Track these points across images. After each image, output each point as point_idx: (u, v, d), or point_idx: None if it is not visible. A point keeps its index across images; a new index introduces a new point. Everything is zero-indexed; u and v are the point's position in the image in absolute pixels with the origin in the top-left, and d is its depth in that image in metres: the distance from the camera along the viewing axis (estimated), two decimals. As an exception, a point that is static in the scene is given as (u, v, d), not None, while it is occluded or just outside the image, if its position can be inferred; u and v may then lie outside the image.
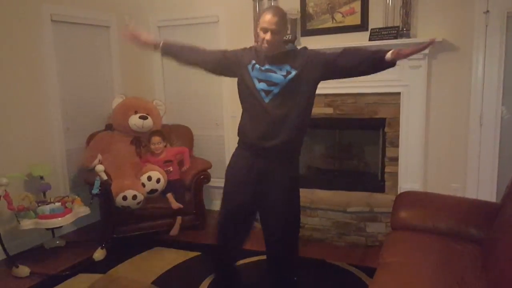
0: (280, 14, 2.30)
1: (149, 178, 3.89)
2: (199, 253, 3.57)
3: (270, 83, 2.32)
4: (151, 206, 3.93)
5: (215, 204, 4.49)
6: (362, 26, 3.82)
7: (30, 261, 3.45)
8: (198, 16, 4.50)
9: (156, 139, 4.10)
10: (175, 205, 3.94)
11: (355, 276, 3.11)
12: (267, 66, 2.36)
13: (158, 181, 3.91)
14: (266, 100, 2.33)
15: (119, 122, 4.16)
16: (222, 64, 2.52)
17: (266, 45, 2.31)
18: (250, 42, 4.09)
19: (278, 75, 2.32)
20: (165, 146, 4.20)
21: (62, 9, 4.08)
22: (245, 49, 2.53)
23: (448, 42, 3.56)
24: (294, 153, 2.51)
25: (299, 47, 2.46)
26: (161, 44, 2.64)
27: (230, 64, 2.49)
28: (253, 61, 2.40)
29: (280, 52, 2.36)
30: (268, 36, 2.28)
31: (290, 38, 3.99)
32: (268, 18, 2.28)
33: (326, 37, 3.95)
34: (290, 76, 2.30)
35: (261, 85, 2.34)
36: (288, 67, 2.32)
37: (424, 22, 3.62)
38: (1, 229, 3.35)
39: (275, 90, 2.32)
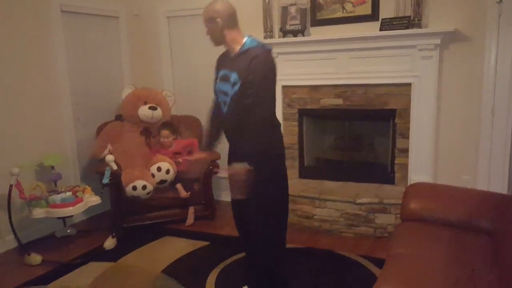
0: (209, 7, 2.32)
1: (159, 169, 3.92)
2: (208, 243, 3.59)
3: (225, 93, 2.33)
4: (161, 196, 3.97)
5: (224, 194, 4.50)
6: (372, 16, 3.77)
7: (42, 249, 3.50)
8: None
9: (165, 133, 4.13)
10: (183, 193, 3.99)
11: (363, 267, 3.10)
12: (224, 71, 2.34)
13: (167, 172, 3.93)
14: (224, 110, 2.37)
15: (129, 113, 4.18)
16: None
17: (211, 38, 2.38)
18: (259, 30, 4.09)
19: (228, 86, 2.29)
20: (175, 139, 4.21)
21: (71, -1, 4.09)
22: (219, 57, 2.53)
23: (460, 32, 3.51)
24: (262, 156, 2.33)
25: (252, 47, 2.31)
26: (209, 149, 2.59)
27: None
28: (219, 72, 2.41)
29: (235, 55, 2.32)
30: (206, 30, 2.36)
31: (299, 28, 3.97)
32: (204, 10, 2.35)
33: (336, 27, 3.91)
34: (235, 88, 2.25)
35: (221, 98, 2.38)
36: (236, 75, 2.24)
37: (436, 12, 3.56)
38: (13, 218, 3.39)
39: (228, 100, 2.32)
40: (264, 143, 2.24)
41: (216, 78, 2.45)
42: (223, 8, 2.30)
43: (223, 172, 2.32)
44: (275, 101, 2.31)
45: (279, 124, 2.46)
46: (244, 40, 2.33)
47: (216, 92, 2.43)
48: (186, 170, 2.78)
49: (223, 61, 2.44)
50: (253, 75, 2.18)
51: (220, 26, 2.29)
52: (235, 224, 2.67)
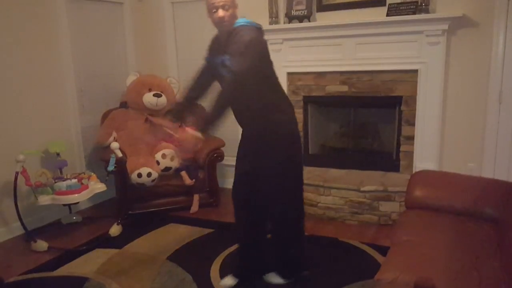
0: None
1: (164, 156, 3.92)
2: (212, 230, 3.61)
3: (224, 78, 2.32)
4: (166, 183, 3.98)
5: (229, 182, 4.50)
6: (379, 1, 3.71)
7: (48, 236, 3.53)
8: (211, -9, 4.43)
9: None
10: (188, 181, 3.99)
11: (367, 254, 3.11)
12: (222, 58, 2.32)
13: (172, 158, 3.93)
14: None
15: (133, 100, 4.17)
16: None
17: (219, 25, 2.28)
18: (264, 16, 4.04)
19: (224, 70, 2.29)
20: (180, 126, 4.18)
21: (75, -15, 4.06)
22: (213, 39, 2.51)
23: (468, 17, 3.45)
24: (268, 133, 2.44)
25: (240, 25, 2.31)
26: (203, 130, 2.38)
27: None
28: (216, 56, 2.39)
29: (226, 37, 2.29)
30: (220, 12, 2.23)
31: (305, 13, 3.93)
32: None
33: (343, 12, 3.86)
34: (230, 70, 2.23)
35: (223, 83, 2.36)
36: (227, 58, 2.24)
37: (443, -3, 3.51)
38: (19, 205, 3.41)
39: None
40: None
41: (209, 59, 2.48)
42: None
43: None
44: (266, 75, 2.34)
45: (287, 104, 2.52)
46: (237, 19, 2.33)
47: (220, 77, 2.41)
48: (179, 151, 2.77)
49: (217, 47, 2.42)
50: (232, 46, 2.20)
51: (237, 5, 2.31)
52: (241, 213, 2.68)
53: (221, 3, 2.23)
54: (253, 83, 2.23)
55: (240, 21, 2.31)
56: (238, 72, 2.16)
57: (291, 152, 2.49)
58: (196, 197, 4.07)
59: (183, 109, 2.61)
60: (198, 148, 2.22)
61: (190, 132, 2.15)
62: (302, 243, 2.71)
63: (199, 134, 2.15)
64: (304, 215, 2.70)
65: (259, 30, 2.32)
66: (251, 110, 2.40)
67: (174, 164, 3.96)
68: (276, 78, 2.47)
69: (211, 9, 2.26)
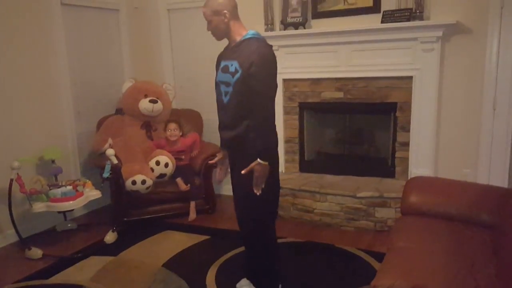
0: (209, 4, 2.31)
1: (157, 163, 3.90)
2: (208, 237, 3.59)
3: (227, 83, 2.32)
4: (161, 190, 3.97)
5: (225, 188, 4.50)
6: (374, 8, 3.74)
7: (42, 244, 3.50)
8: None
9: (172, 125, 4.09)
10: (183, 187, 3.98)
11: (363, 260, 3.10)
12: (224, 63, 2.35)
13: (166, 165, 3.91)
14: (225, 100, 2.35)
15: (129, 106, 4.17)
16: None
17: (214, 34, 2.38)
18: (260, 23, 4.07)
19: (229, 75, 2.29)
20: (181, 135, 4.18)
21: (71, -8, 4.07)
22: (220, 53, 2.53)
23: (462, 24, 3.48)
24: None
25: (253, 37, 2.32)
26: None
27: None
28: (220, 63, 2.41)
29: (235, 45, 2.33)
30: (207, 25, 2.36)
31: (300, 21, 3.95)
32: (203, 10, 2.34)
33: (338, 19, 3.89)
34: (236, 76, 2.25)
35: (223, 88, 2.36)
36: (236, 65, 2.25)
37: (437, 4, 3.53)
38: (14, 212, 3.39)
39: (230, 90, 2.31)
40: (270, 140, 2.32)
41: (217, 71, 2.46)
42: (228, 1, 2.31)
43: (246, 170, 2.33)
44: (274, 98, 2.32)
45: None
46: (247, 31, 2.36)
47: (217, 83, 2.41)
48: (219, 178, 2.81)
49: (223, 54, 2.46)
50: (255, 69, 2.18)
51: (228, 18, 2.30)
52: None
53: (206, 17, 2.33)
54: (268, 104, 2.28)
55: (250, 32, 2.34)
56: (264, 102, 2.23)
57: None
58: (192, 204, 4.05)
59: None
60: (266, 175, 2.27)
61: (256, 164, 2.23)
62: (269, 256, 2.56)
63: (262, 162, 2.23)
64: (268, 227, 2.53)
65: (272, 49, 2.32)
66: (255, 127, 2.30)
67: (168, 170, 3.94)
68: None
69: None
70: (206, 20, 2.34)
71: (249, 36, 2.32)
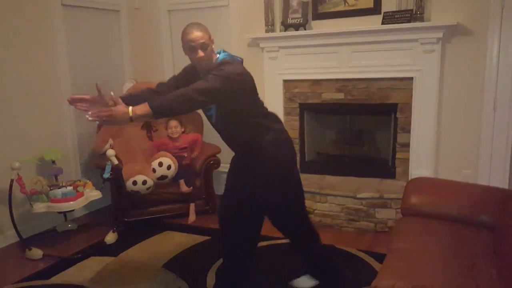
0: (203, 28, 2.21)
1: (160, 164, 3.89)
2: (209, 237, 3.59)
3: (209, 110, 2.30)
4: (162, 191, 3.96)
5: (225, 189, 4.49)
6: (375, 10, 3.75)
7: (42, 244, 3.50)
8: (208, -1, 4.46)
9: (173, 123, 4.09)
10: (185, 188, 3.97)
11: (364, 261, 3.10)
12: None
13: (169, 167, 3.90)
14: (213, 120, 2.35)
15: (130, 107, 4.16)
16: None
17: (200, 64, 2.22)
18: (260, 24, 4.07)
19: (210, 107, 2.27)
20: (183, 132, 4.18)
21: (72, -7, 4.07)
22: (186, 69, 2.45)
23: (463, 26, 3.48)
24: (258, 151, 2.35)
25: (225, 58, 2.25)
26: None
27: None
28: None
29: (207, 70, 2.20)
30: (200, 53, 2.18)
31: (301, 22, 3.95)
32: (193, 36, 2.17)
33: (338, 20, 3.89)
34: (214, 107, 2.25)
35: (208, 112, 2.33)
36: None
37: (438, 5, 3.54)
38: (14, 213, 3.39)
39: (213, 112, 2.29)
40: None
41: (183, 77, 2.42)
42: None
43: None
44: (249, 108, 2.28)
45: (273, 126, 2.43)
46: (217, 55, 2.27)
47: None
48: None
49: (194, 78, 2.30)
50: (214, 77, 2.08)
51: (213, 46, 2.24)
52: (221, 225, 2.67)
53: (199, 44, 2.17)
54: (236, 119, 2.26)
55: (222, 55, 2.27)
56: (211, 85, 2.06)
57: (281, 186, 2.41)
58: (192, 207, 4.04)
59: (127, 97, 2.48)
60: (123, 125, 2.09)
61: (124, 108, 2.03)
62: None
63: (131, 112, 1.99)
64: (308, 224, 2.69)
65: (241, 64, 2.27)
66: (240, 142, 2.39)
67: (170, 173, 3.94)
68: (261, 106, 2.40)
69: (189, 49, 2.20)
70: (200, 47, 2.17)
71: (220, 59, 2.24)
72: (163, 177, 3.92)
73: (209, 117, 2.39)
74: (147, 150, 4.08)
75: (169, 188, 4.00)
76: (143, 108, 2.01)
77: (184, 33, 2.21)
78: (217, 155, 4.22)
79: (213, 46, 2.25)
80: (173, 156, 3.97)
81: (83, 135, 4.28)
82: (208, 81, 2.08)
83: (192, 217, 4.01)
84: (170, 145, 4.09)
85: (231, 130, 2.38)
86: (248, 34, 4.17)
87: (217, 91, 2.07)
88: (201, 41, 2.17)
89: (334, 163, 4.37)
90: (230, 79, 2.10)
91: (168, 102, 2.04)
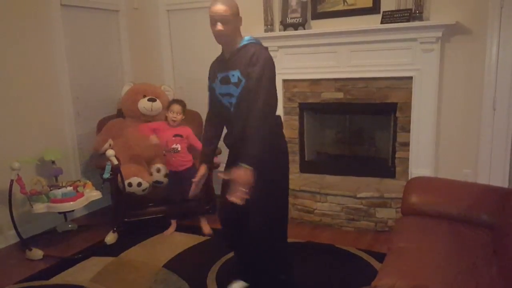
0: (229, 3, 2.21)
1: (158, 170, 3.88)
2: (209, 237, 3.59)
3: (230, 95, 2.30)
4: (161, 192, 3.94)
5: (225, 189, 4.49)
6: (374, 9, 3.74)
7: (43, 244, 3.51)
8: (207, -1, 4.46)
9: (176, 107, 3.73)
10: (207, 229, 3.75)
11: (364, 261, 3.11)
12: (223, 74, 2.31)
13: (166, 175, 3.88)
14: (232, 111, 2.34)
15: (129, 108, 4.17)
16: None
17: (218, 37, 2.24)
18: (259, 24, 4.07)
19: (232, 86, 2.26)
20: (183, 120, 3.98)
21: (71, -7, 4.07)
22: (212, 64, 2.48)
23: (462, 25, 3.48)
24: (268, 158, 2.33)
25: (249, 43, 2.30)
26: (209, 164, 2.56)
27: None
28: (217, 75, 2.36)
29: (232, 54, 2.28)
30: (219, 26, 2.19)
31: (300, 21, 3.95)
32: (216, 8, 2.19)
33: (337, 20, 3.89)
34: (241, 86, 2.23)
35: (225, 100, 2.34)
36: (238, 74, 2.23)
37: (437, 5, 3.54)
38: (14, 213, 3.39)
39: (234, 101, 2.29)
40: (269, 143, 2.20)
41: (212, 88, 2.43)
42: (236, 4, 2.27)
43: (226, 175, 2.23)
44: (276, 100, 2.30)
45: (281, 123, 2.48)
46: (243, 38, 2.32)
47: (218, 97, 2.38)
48: (193, 194, 2.71)
49: (217, 66, 2.39)
50: (254, 71, 2.16)
51: (241, 23, 2.27)
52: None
53: (219, 17, 2.19)
54: (267, 102, 2.22)
55: (246, 38, 2.31)
56: (261, 99, 2.14)
57: (282, 167, 2.45)
58: (203, 221, 3.83)
59: (210, 153, 2.62)
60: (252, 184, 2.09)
61: (241, 170, 2.08)
62: (275, 263, 2.55)
63: (249, 168, 2.08)
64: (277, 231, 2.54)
65: (268, 51, 2.31)
66: (253, 127, 2.25)
67: (167, 180, 3.89)
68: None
69: (211, 22, 2.23)
70: (220, 20, 2.19)
71: (245, 42, 2.29)
72: (158, 182, 3.89)
73: (225, 107, 2.35)
74: (147, 150, 3.94)
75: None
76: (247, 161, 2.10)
77: (211, 4, 2.24)
78: (218, 156, 4.20)
79: (239, 25, 2.28)
80: (166, 146, 3.74)
81: (82, 135, 4.28)
82: (264, 73, 2.16)
83: (206, 229, 3.77)
84: (167, 131, 3.76)
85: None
86: (247, 34, 4.15)
87: (274, 77, 2.22)
88: (223, 14, 2.18)
89: (334, 163, 4.37)
90: (272, 64, 2.22)
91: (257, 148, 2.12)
